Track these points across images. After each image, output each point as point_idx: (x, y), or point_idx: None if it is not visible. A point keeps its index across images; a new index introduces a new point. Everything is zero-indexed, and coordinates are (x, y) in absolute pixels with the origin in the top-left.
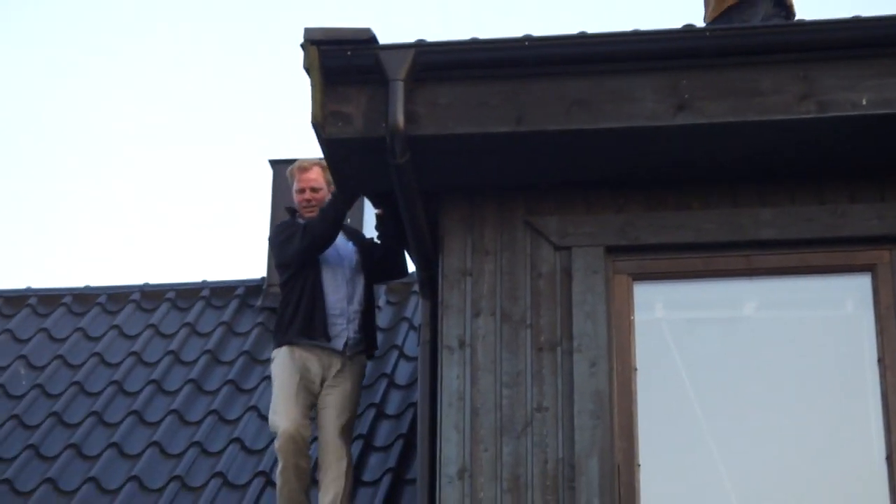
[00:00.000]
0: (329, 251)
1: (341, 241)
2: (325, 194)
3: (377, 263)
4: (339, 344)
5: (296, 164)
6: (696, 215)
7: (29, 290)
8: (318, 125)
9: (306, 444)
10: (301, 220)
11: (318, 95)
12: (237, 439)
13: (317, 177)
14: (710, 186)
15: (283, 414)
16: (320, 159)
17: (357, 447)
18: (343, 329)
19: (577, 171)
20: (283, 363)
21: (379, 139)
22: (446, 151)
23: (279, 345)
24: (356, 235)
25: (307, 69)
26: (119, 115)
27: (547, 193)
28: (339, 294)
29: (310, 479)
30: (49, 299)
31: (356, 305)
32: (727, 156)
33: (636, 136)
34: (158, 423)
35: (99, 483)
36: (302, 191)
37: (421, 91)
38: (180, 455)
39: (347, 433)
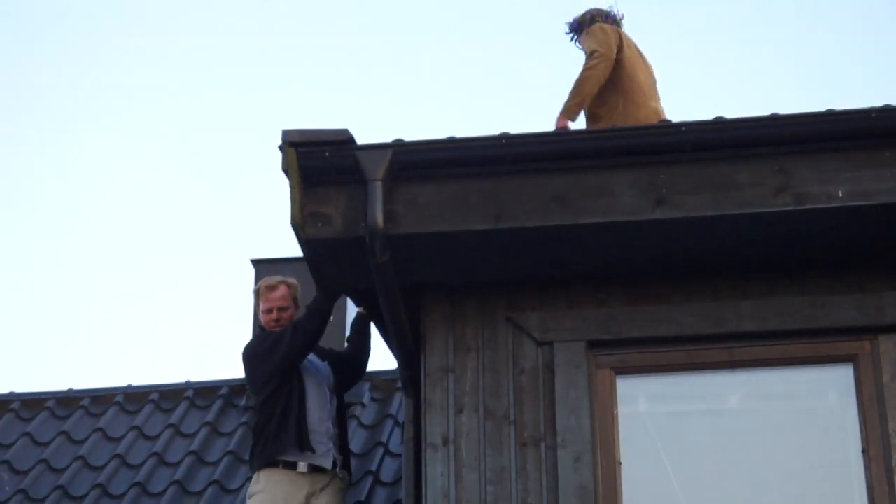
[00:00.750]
0: (310, 367)
1: (316, 360)
2: (293, 313)
3: (345, 370)
4: (327, 463)
5: (262, 282)
6: (677, 308)
7: (12, 394)
8: (298, 226)
9: None
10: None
11: (297, 196)
12: None
13: (283, 295)
14: (691, 279)
15: None
16: (286, 279)
17: None
18: (329, 448)
19: (558, 267)
20: (270, 490)
21: (358, 239)
22: (426, 249)
23: (263, 464)
24: (327, 354)
25: (286, 171)
26: (99, 216)
27: (528, 289)
28: (324, 413)
29: None
30: (32, 403)
31: (333, 427)
32: (706, 248)
33: (615, 231)
34: None
35: None
36: (269, 311)
37: (400, 190)
38: None
39: None
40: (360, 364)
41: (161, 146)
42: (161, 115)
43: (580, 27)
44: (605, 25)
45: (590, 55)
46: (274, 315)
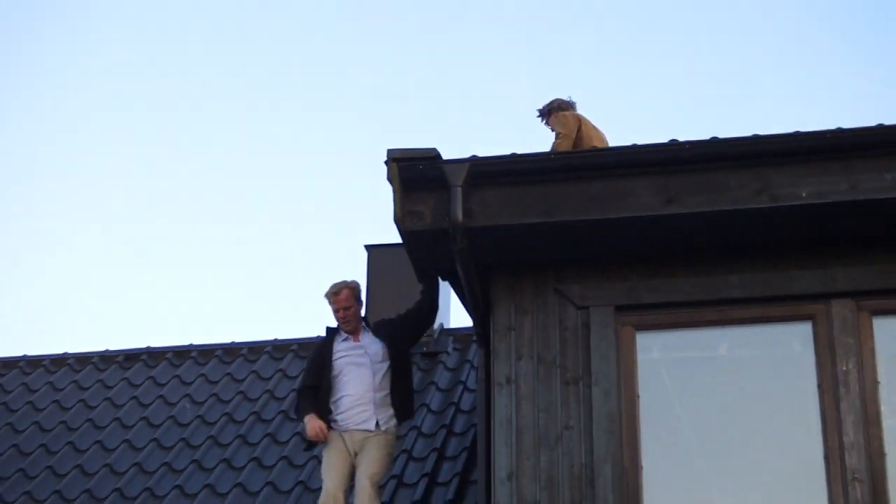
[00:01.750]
0: (357, 354)
1: (369, 340)
2: (356, 310)
3: (408, 329)
4: (370, 426)
5: (329, 289)
6: (682, 281)
7: (168, 347)
8: (399, 221)
9: (340, 502)
10: (344, 332)
11: (398, 199)
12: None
13: (346, 297)
14: (692, 259)
15: (326, 478)
16: (348, 283)
17: (433, 458)
18: (371, 413)
19: (594, 250)
20: (329, 441)
21: (444, 230)
22: (494, 238)
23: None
24: (384, 329)
25: (390, 180)
26: (236, 200)
27: (570, 267)
28: (365, 386)
29: None
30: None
31: (382, 392)
32: (704, 236)
33: (637, 223)
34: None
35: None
36: (337, 311)
37: (475, 193)
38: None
39: (375, 483)
40: (424, 318)
41: (296, 143)
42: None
43: (548, 112)
44: (567, 113)
45: (556, 135)
46: (341, 314)
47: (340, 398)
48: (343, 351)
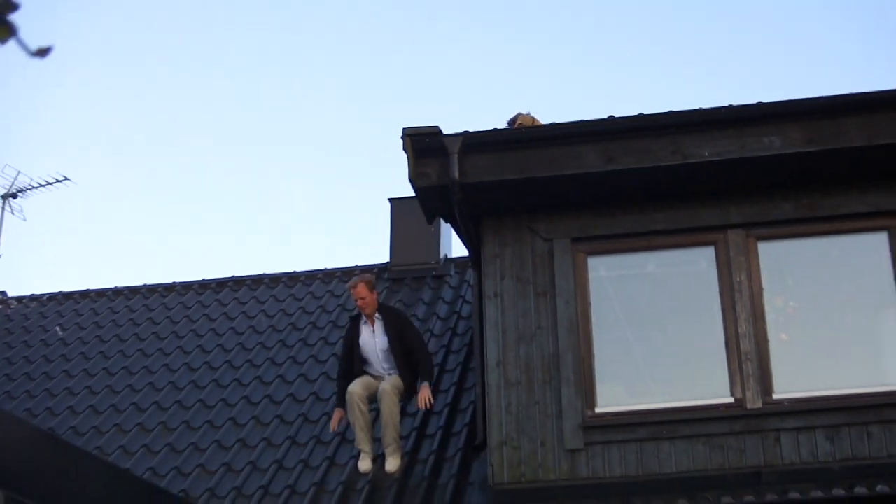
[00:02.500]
0: (369, 336)
1: (379, 329)
2: (371, 297)
3: (409, 348)
4: (382, 375)
5: (349, 283)
6: (619, 219)
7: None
8: (412, 180)
9: (363, 399)
10: (364, 317)
11: (412, 163)
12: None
13: (361, 289)
14: (627, 202)
15: (351, 388)
16: (363, 277)
17: (441, 353)
18: (386, 373)
19: (555, 197)
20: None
21: (446, 186)
22: (482, 191)
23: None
24: (392, 328)
25: (405, 150)
26: (277, 162)
27: (539, 210)
28: (376, 360)
29: (370, 419)
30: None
31: (390, 369)
32: (635, 185)
33: (586, 177)
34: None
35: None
36: (356, 300)
37: (468, 158)
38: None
39: (394, 387)
40: (417, 351)
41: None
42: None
43: (514, 121)
44: (525, 116)
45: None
46: (359, 302)
47: (363, 368)
48: (363, 334)
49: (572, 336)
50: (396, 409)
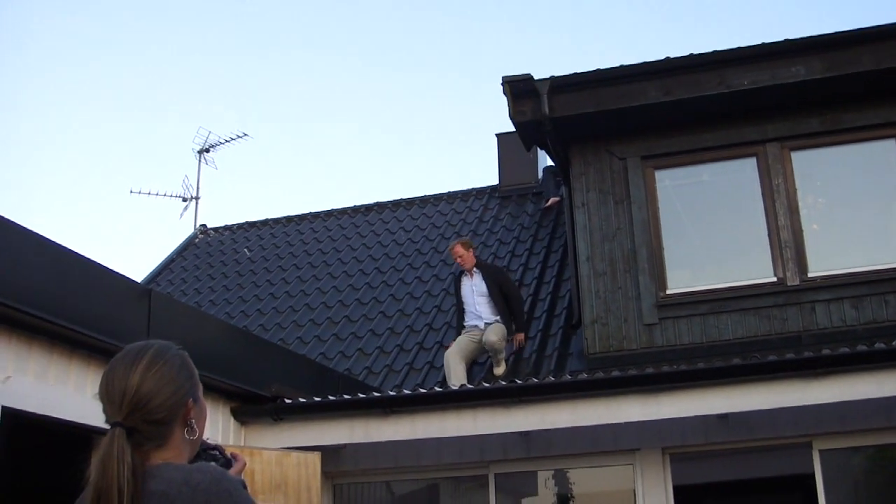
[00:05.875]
0: (469, 286)
1: (478, 280)
2: (468, 256)
3: (504, 295)
4: (480, 325)
5: (449, 247)
6: (678, 139)
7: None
8: (512, 118)
9: (458, 361)
10: (465, 273)
11: (511, 104)
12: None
13: (458, 249)
14: (683, 125)
15: (449, 351)
16: (460, 239)
17: (543, 253)
18: (480, 321)
19: (626, 125)
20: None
21: (539, 121)
22: (569, 122)
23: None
24: (489, 277)
25: (505, 93)
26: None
27: (614, 136)
28: (473, 307)
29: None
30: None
31: (486, 316)
32: (689, 112)
33: (650, 108)
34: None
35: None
36: (455, 258)
37: (555, 97)
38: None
39: (497, 332)
40: (510, 298)
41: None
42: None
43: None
44: (458, 247)
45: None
46: (459, 260)
47: (466, 313)
48: (463, 286)
49: (645, 234)
50: (502, 345)
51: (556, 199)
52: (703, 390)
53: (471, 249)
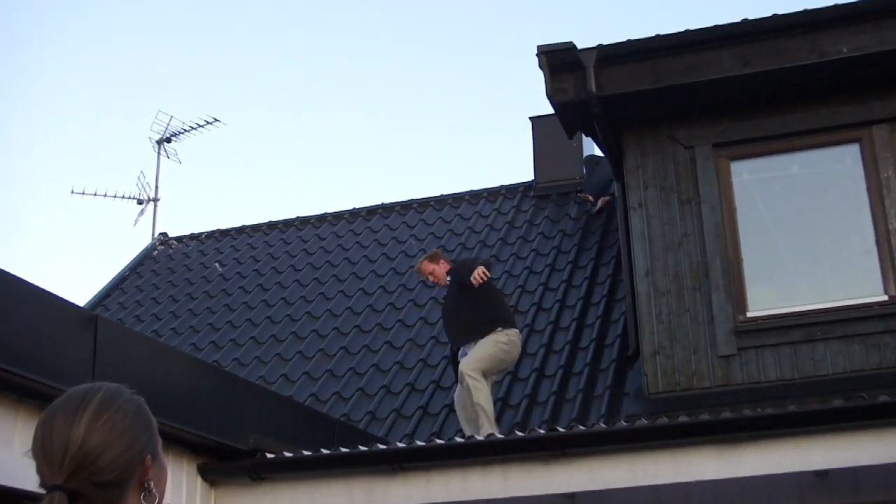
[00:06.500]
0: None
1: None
2: (439, 271)
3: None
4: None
5: (415, 268)
6: (760, 121)
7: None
8: (550, 97)
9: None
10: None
11: (548, 80)
12: None
13: (424, 267)
14: (767, 104)
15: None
16: (423, 258)
17: (591, 266)
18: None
19: (694, 104)
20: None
21: (584, 100)
22: (621, 102)
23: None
24: (452, 278)
25: (541, 67)
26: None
27: (678, 118)
28: (452, 340)
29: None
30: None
31: (464, 340)
32: (773, 87)
33: (724, 82)
34: None
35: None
36: (426, 279)
37: (603, 71)
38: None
39: (470, 367)
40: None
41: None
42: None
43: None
44: (426, 265)
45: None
46: (431, 280)
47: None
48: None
49: (719, 241)
50: (484, 401)
51: (607, 198)
52: (796, 440)
53: (441, 260)
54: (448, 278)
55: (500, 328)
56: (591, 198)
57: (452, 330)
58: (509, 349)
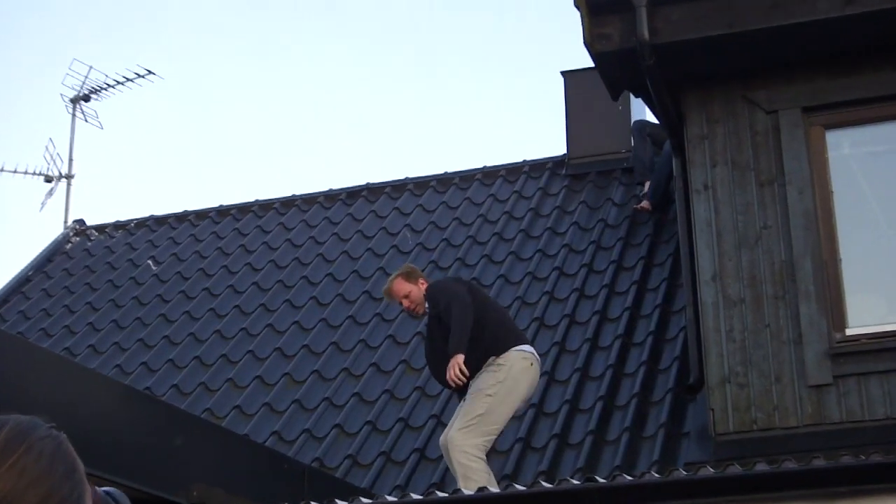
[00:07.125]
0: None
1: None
2: (416, 292)
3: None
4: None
5: (384, 289)
6: (866, 78)
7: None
8: (589, 44)
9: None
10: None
11: (587, 23)
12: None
13: (396, 288)
14: (874, 56)
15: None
16: (396, 275)
17: (640, 267)
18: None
19: (778, 56)
20: None
21: (632, 49)
22: (681, 53)
23: None
24: (431, 304)
25: (577, 6)
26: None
27: (756, 74)
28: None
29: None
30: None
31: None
32: (884, 33)
33: (818, 26)
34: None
35: None
36: (400, 304)
37: (659, 11)
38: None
39: (459, 429)
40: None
41: None
42: None
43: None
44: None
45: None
46: (406, 306)
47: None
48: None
49: (811, 235)
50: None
51: (644, 204)
52: None
53: (419, 280)
54: (426, 305)
55: (492, 357)
56: (648, 205)
57: (440, 375)
58: (518, 378)
